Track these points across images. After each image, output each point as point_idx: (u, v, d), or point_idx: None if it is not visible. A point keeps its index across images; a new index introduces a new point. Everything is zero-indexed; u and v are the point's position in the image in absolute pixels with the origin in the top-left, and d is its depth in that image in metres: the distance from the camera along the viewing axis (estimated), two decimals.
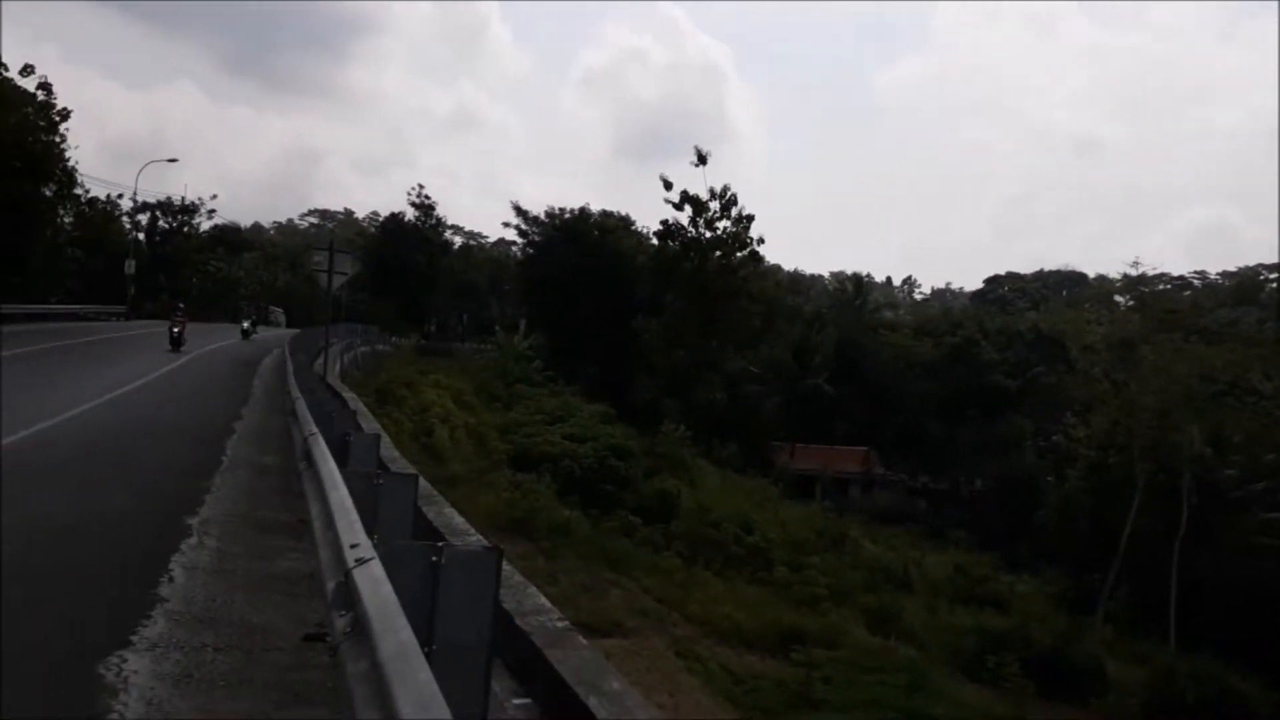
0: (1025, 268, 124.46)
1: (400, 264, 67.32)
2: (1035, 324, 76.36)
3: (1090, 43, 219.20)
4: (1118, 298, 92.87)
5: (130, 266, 56.17)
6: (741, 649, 26.95)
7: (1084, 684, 31.16)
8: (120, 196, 63.20)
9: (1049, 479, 52.11)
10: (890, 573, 40.50)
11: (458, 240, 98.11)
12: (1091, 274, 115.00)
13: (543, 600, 6.53)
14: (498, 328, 63.00)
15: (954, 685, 28.98)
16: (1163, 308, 61.84)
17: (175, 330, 33.84)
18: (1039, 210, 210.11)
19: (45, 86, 42.74)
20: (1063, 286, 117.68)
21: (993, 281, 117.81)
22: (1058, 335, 71.25)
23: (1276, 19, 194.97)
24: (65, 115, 43.49)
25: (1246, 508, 42.25)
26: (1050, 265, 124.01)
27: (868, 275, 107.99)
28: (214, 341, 38.92)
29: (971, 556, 46.71)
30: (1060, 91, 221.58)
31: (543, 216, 66.47)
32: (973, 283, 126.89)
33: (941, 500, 59.00)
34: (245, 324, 45.90)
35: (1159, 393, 45.14)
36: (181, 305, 38.03)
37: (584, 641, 5.68)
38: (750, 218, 59.34)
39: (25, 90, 42.00)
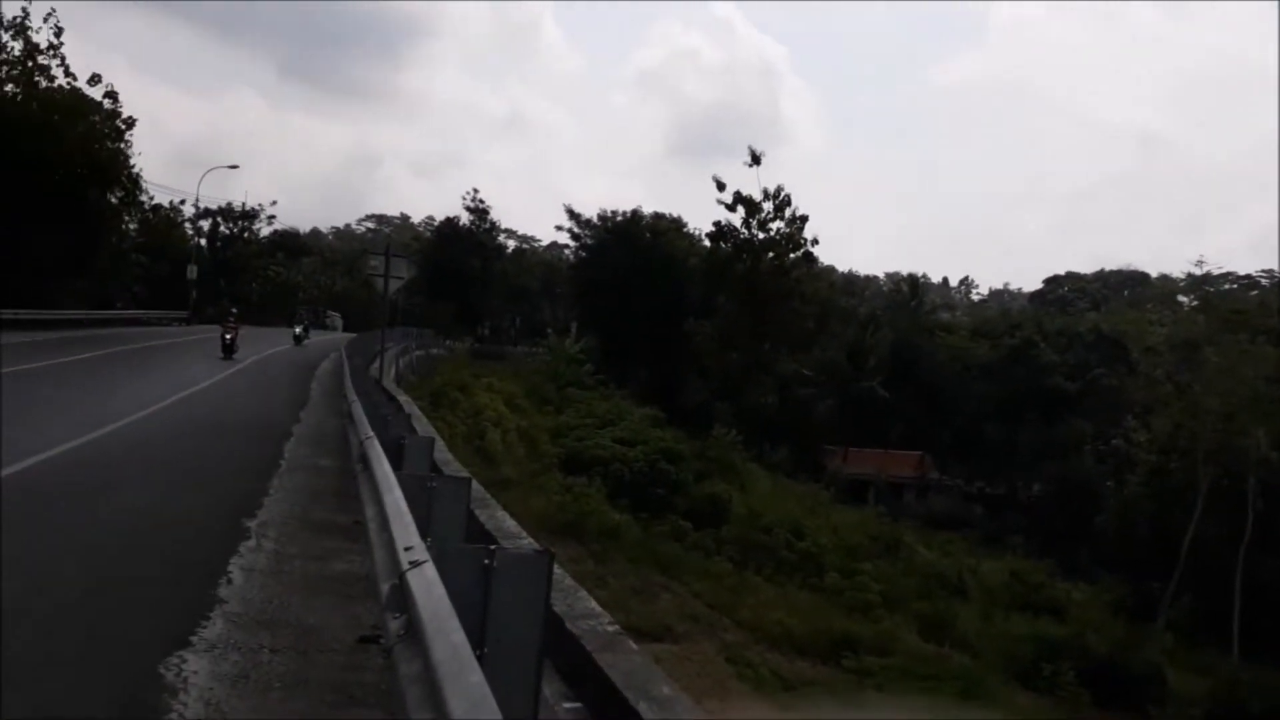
0: (1086, 267, 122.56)
1: (455, 268, 68.02)
2: (1096, 325, 74.98)
3: (1155, 34, 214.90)
4: (1181, 298, 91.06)
5: (192, 272, 57.29)
6: (793, 655, 26.85)
7: (1143, 693, 30.61)
8: (182, 203, 64.58)
9: (1108, 484, 51.19)
10: (945, 579, 40.05)
11: (511, 244, 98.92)
12: (1154, 273, 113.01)
13: (593, 604, 6.54)
14: (550, 331, 63.32)
15: (1008, 693, 28.61)
16: (1228, 308, 60.48)
17: (227, 337, 32.40)
18: (1101, 208, 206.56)
19: (112, 95, 43.74)
20: (1125, 286, 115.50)
21: (1052, 282, 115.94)
22: (1119, 336, 69.98)
23: None
24: (131, 124, 44.46)
25: None
26: (1112, 265, 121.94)
27: (924, 276, 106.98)
28: (267, 347, 38.56)
29: (1028, 563, 46.01)
30: (1123, 86, 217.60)
31: (595, 219, 66.71)
32: (1032, 283, 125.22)
33: (998, 505, 58.18)
34: (298, 329, 44.33)
35: (1224, 395, 44.19)
36: (234, 310, 36.86)
37: (634, 646, 5.68)
38: (804, 218, 59.04)
39: (93, 99, 43.03)
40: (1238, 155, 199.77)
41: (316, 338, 50.12)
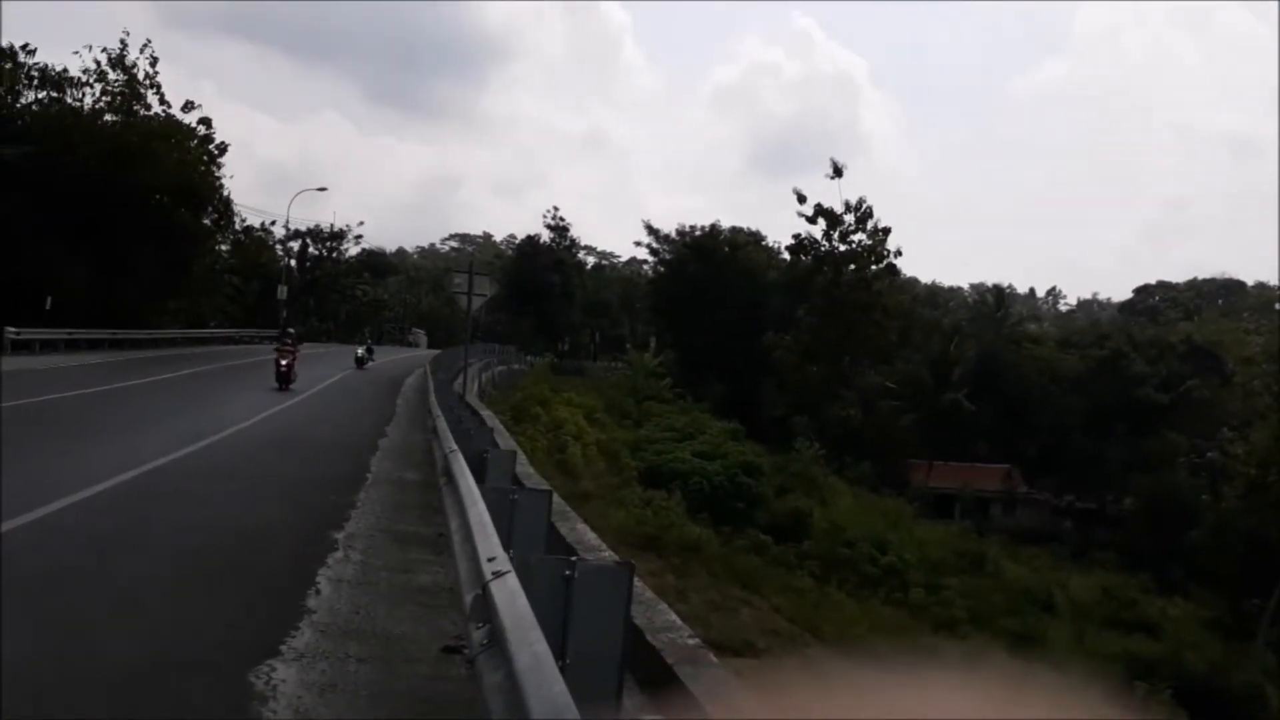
0: (1178, 276, 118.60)
1: (535, 284, 68.73)
2: (1189, 335, 72.63)
3: (1246, 36, 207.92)
4: (1279, 306, 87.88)
5: (282, 292, 58.84)
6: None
7: (1243, 714, 29.50)
8: (273, 223, 66.36)
9: (1203, 498, 49.51)
10: (1033, 595, 39.13)
11: (590, 260, 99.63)
12: (1250, 281, 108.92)
13: (673, 617, 6.56)
14: (629, 345, 63.58)
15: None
16: None
17: (284, 365, 27.13)
18: (1193, 215, 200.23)
19: (205, 121, 45.30)
20: (1219, 295, 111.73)
21: (1143, 291, 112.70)
22: (1213, 347, 67.79)
23: None
24: (223, 149, 46.03)
25: None
26: (1205, 273, 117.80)
27: (1009, 286, 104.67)
28: (330, 372, 34.57)
29: (1120, 578, 44.71)
30: (1214, 90, 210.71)
31: (673, 234, 66.89)
32: (1121, 293, 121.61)
33: (1088, 520, 56.62)
34: (360, 350, 39.68)
35: None
36: (291, 331, 31.70)
37: (715, 660, 5.69)
38: (886, 230, 58.40)
39: (187, 125, 44.60)
40: None
41: (396, 356, 50.73)
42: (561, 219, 75.18)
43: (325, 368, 34.88)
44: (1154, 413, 60.60)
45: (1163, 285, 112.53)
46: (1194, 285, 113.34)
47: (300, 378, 27.92)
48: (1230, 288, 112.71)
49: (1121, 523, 54.97)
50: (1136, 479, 55.44)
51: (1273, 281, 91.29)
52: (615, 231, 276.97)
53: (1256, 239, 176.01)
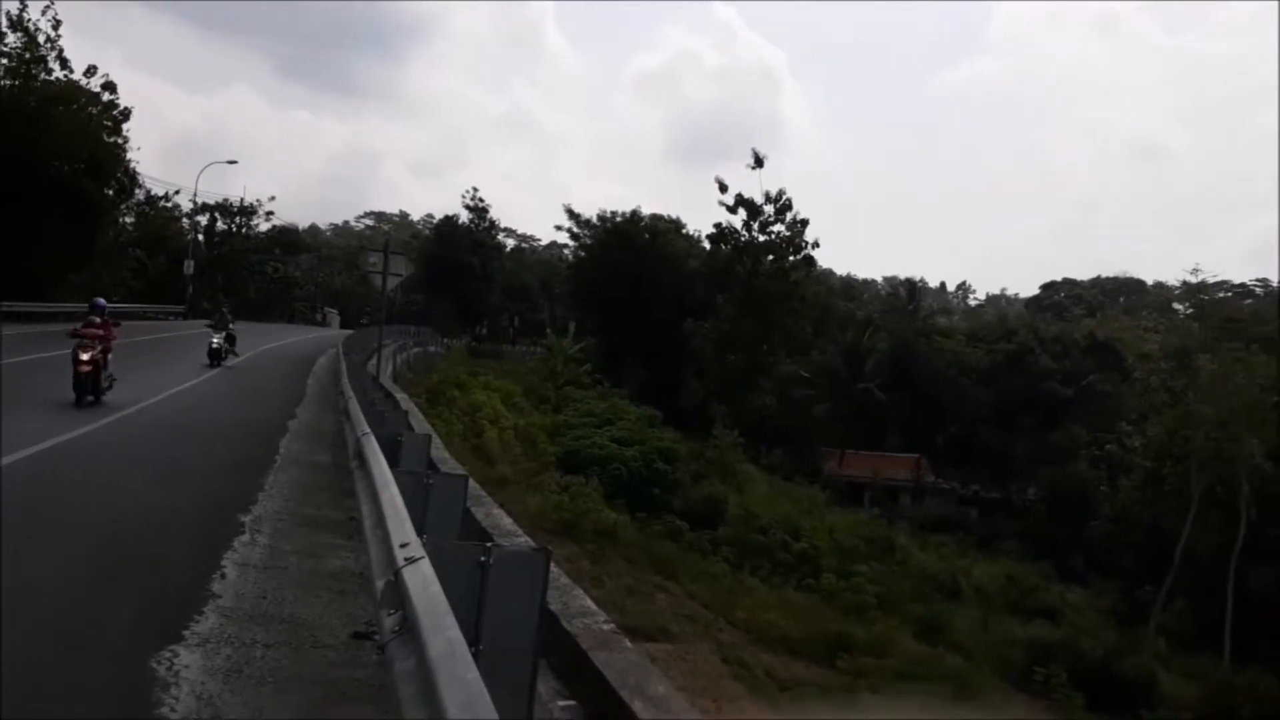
0: (1083, 274, 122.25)
1: (454, 266, 68.00)
2: (1091, 331, 75.10)
3: (1153, 44, 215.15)
4: (1176, 305, 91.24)
5: (189, 267, 57.24)
6: (787, 656, 26.82)
7: (1135, 697, 30.68)
8: (177, 193, 64.17)
9: (1103, 489, 51.31)
10: (939, 582, 40.15)
11: (510, 243, 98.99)
12: (1150, 281, 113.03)
13: (589, 603, 6.53)
14: (548, 330, 63.39)
15: (1002, 695, 28.66)
16: (1223, 316, 60.60)
17: (84, 363, 16.41)
18: (1098, 216, 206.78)
19: (109, 86, 43.60)
20: (1120, 294, 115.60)
21: (1049, 288, 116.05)
22: (1114, 343, 70.13)
23: None
24: (127, 115, 44.29)
25: None
26: (1108, 272, 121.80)
27: (921, 280, 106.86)
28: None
29: (1022, 567, 46.14)
30: (1122, 95, 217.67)
31: (595, 219, 66.76)
32: (1029, 289, 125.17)
33: (993, 509, 58.27)
34: (214, 340, 27.68)
35: (1218, 403, 44.27)
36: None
37: (630, 645, 5.66)
38: (804, 222, 59.07)
39: (90, 90, 42.91)
40: (1234, 165, 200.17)
41: (303, 337, 49.26)
42: (481, 200, 74.60)
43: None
44: (1058, 406, 62.56)
45: (1068, 282, 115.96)
46: (1098, 283, 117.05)
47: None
48: (1131, 286, 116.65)
49: (1025, 512, 56.73)
50: (1040, 470, 57.17)
51: (1171, 281, 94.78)
52: (536, 215, 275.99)
53: (1157, 240, 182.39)
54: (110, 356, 17.39)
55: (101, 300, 18.49)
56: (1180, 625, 40.73)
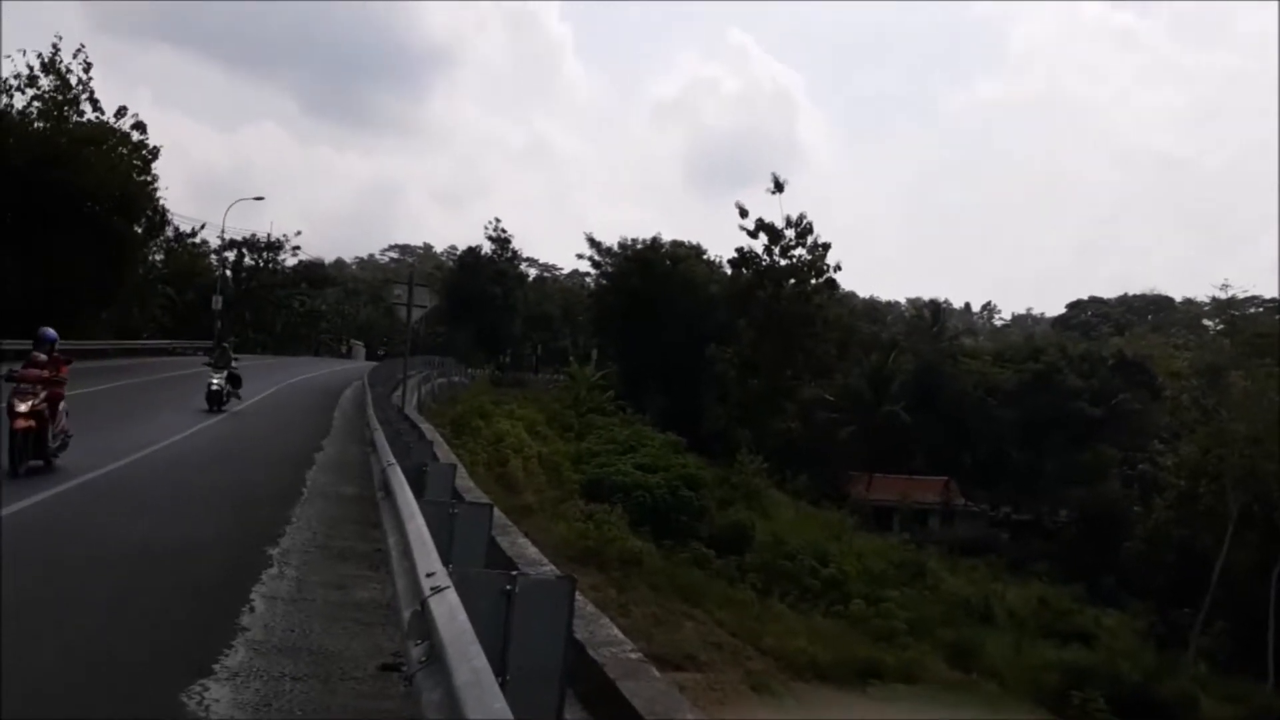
0: (1109, 292, 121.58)
1: (477, 296, 68.34)
2: (1120, 350, 74.47)
3: (1174, 58, 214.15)
4: (1206, 321, 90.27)
5: (217, 302, 57.83)
6: (817, 683, 26.61)
7: None
8: (203, 226, 64.78)
9: (1136, 509, 50.65)
10: (971, 606, 39.70)
11: (533, 272, 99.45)
12: (1179, 297, 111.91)
13: (615, 631, 6.51)
14: (571, 358, 63.43)
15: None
16: (1254, 331, 59.84)
17: (21, 415, 12.60)
18: (1123, 233, 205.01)
19: (139, 126, 44.38)
20: (1149, 311, 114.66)
21: (1075, 306, 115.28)
22: (1143, 361, 69.49)
23: None
24: (156, 154, 45.06)
25: None
26: (1135, 289, 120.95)
27: (945, 301, 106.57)
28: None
29: (1055, 590, 45.55)
30: (1144, 110, 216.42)
31: (615, 247, 66.93)
32: (1055, 308, 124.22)
33: (1024, 532, 57.63)
34: (213, 381, 23.86)
35: (1251, 420, 43.68)
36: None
37: (657, 674, 5.65)
38: (826, 245, 58.98)
39: (120, 130, 43.64)
40: (1259, 177, 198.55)
41: (337, 368, 49.66)
42: (503, 230, 74.98)
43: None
44: (1087, 426, 61.94)
45: (1094, 300, 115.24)
46: (1124, 301, 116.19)
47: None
48: (1159, 303, 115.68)
49: (1057, 534, 56.04)
50: (1071, 492, 56.55)
51: (1200, 297, 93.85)
52: (558, 243, 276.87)
53: (1184, 256, 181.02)
54: (63, 406, 13.46)
55: (50, 331, 14.00)
56: (1219, 647, 39.99)
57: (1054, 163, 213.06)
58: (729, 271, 63.26)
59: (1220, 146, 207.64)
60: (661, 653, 18.63)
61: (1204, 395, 50.21)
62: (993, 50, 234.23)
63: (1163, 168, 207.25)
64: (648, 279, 61.28)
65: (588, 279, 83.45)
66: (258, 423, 23.32)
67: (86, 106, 42.42)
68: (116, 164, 42.38)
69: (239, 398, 24.79)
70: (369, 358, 68.38)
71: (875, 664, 28.28)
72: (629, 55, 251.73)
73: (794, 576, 35.75)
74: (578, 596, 5.11)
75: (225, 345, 26.01)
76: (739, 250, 60.65)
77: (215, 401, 23.43)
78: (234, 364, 24.86)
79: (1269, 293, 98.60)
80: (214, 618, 7.15)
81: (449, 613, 4.26)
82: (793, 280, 59.12)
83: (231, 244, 69.35)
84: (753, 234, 59.48)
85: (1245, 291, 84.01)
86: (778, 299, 58.34)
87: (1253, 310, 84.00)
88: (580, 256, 71.38)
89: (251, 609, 7.46)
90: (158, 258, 56.55)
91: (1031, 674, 32.60)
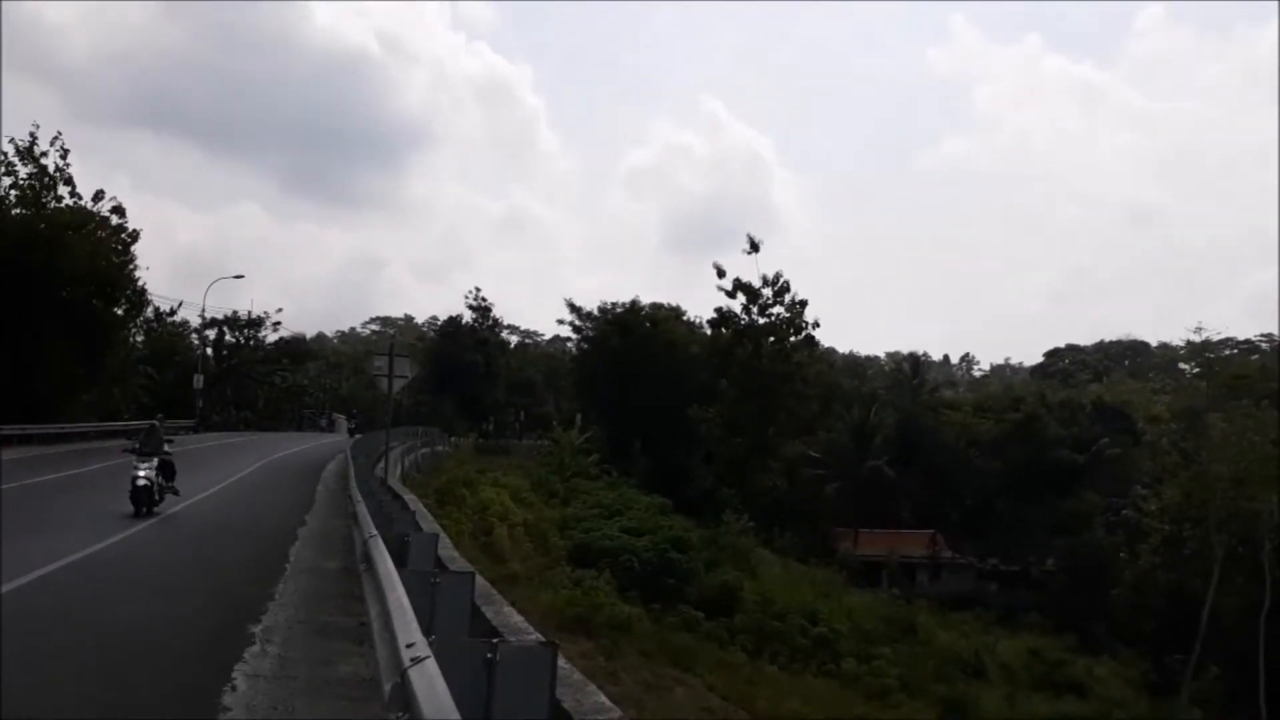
0: (1085, 339, 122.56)
1: (458, 365, 68.43)
2: (1099, 396, 75.05)
3: (1137, 110, 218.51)
4: (1182, 365, 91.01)
5: (198, 381, 57.61)
6: None
7: None
8: (180, 305, 64.76)
9: (1122, 555, 50.63)
10: (963, 660, 39.48)
11: (514, 339, 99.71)
12: (1154, 342, 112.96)
13: (603, 699, 6.53)
14: (554, 423, 63.32)
15: None
16: (1230, 373, 60.41)
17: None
18: (1097, 281, 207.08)
19: (119, 210, 44.56)
20: (1125, 357, 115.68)
21: (1053, 355, 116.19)
22: (1122, 407, 69.94)
23: None
24: (135, 237, 45.18)
25: None
26: (1111, 335, 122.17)
27: (924, 354, 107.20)
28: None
29: (1046, 640, 45.39)
30: (1110, 161, 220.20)
31: (595, 311, 67.28)
32: (1032, 357, 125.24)
33: (1012, 582, 57.46)
34: (140, 471, 17.84)
35: (1232, 461, 43.95)
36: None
37: None
38: (804, 302, 59.50)
39: (99, 214, 43.81)
40: (1229, 222, 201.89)
41: (322, 441, 49.40)
42: (484, 299, 75.41)
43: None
44: (1070, 473, 62.14)
45: (1071, 348, 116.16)
46: (1101, 347, 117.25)
47: (219, 467, 17.02)
48: (1135, 349, 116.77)
49: (1045, 584, 55.88)
50: (1057, 540, 56.55)
51: (1175, 341, 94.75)
52: (538, 310, 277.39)
53: (1158, 301, 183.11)
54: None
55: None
56: (1213, 692, 39.82)
57: (1025, 215, 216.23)
58: (709, 331, 63.71)
59: (1187, 194, 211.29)
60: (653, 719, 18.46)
61: (1183, 439, 50.48)
62: (959, 108, 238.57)
63: (1131, 216, 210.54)
64: (628, 341, 61.59)
65: (569, 344, 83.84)
66: (240, 500, 23.02)
67: (64, 191, 42.65)
68: (96, 248, 42.47)
69: (175, 492, 19.05)
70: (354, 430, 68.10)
71: None
72: (603, 126, 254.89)
73: (784, 636, 35.51)
74: (565, 664, 5.16)
75: (155, 423, 19.80)
76: (718, 310, 61.19)
77: (143, 501, 17.56)
78: (168, 447, 19.04)
79: (1242, 334, 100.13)
80: (196, 697, 7.13)
81: (428, 683, 4.31)
82: (772, 338, 59.49)
83: (212, 322, 69.31)
84: (731, 294, 60.07)
85: (1219, 334, 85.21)
86: (758, 357, 58.65)
87: (1228, 352, 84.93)
88: (561, 322, 71.76)
89: (234, 688, 7.44)
90: (138, 338, 56.43)
91: None
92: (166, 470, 18.60)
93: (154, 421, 20.03)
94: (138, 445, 18.40)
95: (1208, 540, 43.05)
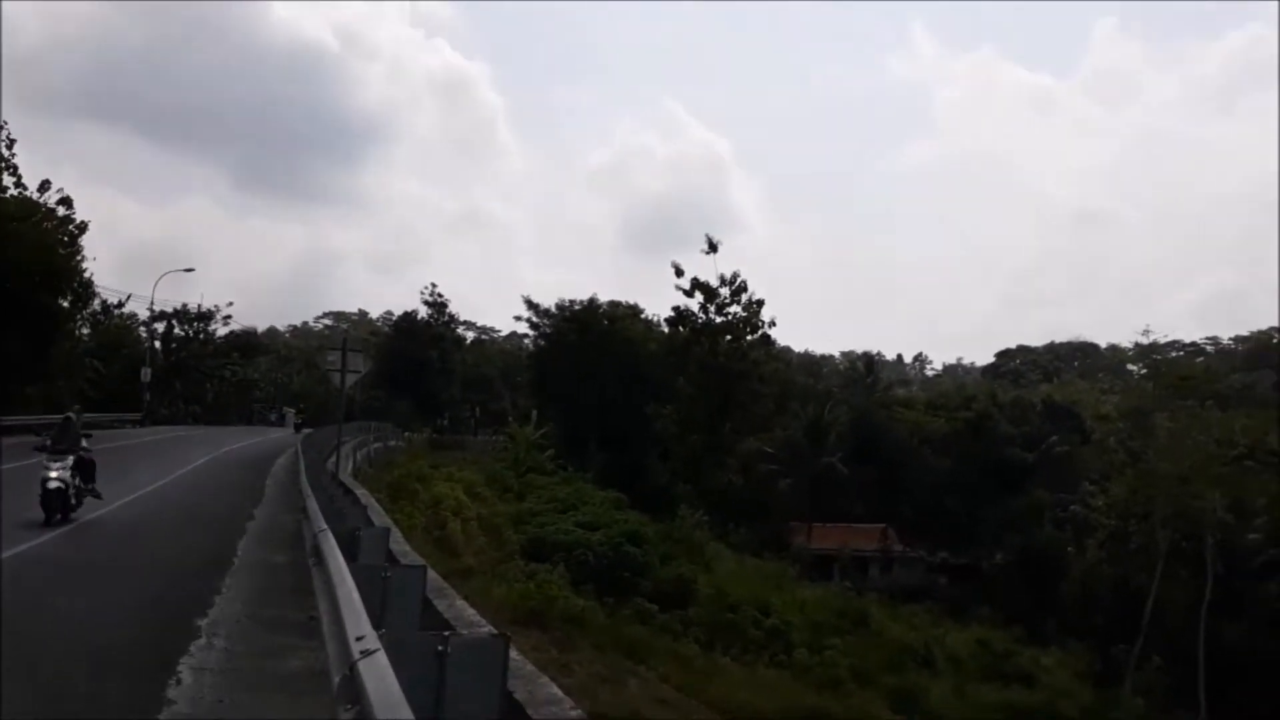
0: (1036, 340, 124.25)
1: (413, 361, 67.95)
2: (1049, 396, 76.16)
3: (1088, 118, 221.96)
4: (1130, 366, 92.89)
5: (146, 374, 56.67)
6: None
7: None
8: (128, 298, 63.65)
9: (1070, 550, 51.52)
10: (913, 651, 39.92)
11: (470, 335, 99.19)
12: (1103, 344, 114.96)
13: (555, 690, 6.53)
14: (510, 419, 63.09)
15: None
16: (1176, 375, 61.76)
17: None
18: (1048, 284, 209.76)
19: (65, 201, 43.72)
20: (1075, 358, 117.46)
21: (1004, 355, 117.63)
22: (1072, 406, 71.06)
23: (1277, 92, 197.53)
24: (83, 229, 44.37)
25: (1274, 573, 41.65)
26: (1061, 337, 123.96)
27: (878, 354, 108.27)
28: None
29: (995, 632, 46.01)
30: (1063, 167, 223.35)
31: (553, 308, 67.15)
32: (984, 357, 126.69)
33: (962, 576, 58.20)
34: (52, 473, 15.48)
35: (1177, 459, 44.87)
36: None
37: None
38: (760, 302, 59.78)
39: (44, 205, 42.95)
40: (1176, 229, 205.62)
41: (271, 436, 48.69)
42: (440, 295, 75.01)
43: None
44: (1020, 470, 63.03)
45: (1022, 349, 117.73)
46: (1052, 348, 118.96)
47: (163, 461, 16.66)
48: (1085, 350, 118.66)
49: (994, 578, 56.65)
50: (1006, 535, 57.37)
51: (1124, 343, 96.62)
52: (495, 307, 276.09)
53: (1107, 304, 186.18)
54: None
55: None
56: (1156, 683, 40.66)
57: (979, 218, 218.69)
58: (666, 330, 63.78)
59: (1135, 200, 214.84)
60: (606, 711, 18.46)
61: (1131, 437, 51.50)
62: (917, 113, 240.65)
63: (1080, 221, 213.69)
64: (585, 339, 61.53)
65: (526, 340, 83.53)
66: (186, 494, 22.65)
67: (9, 181, 41.75)
68: (42, 238, 41.62)
69: (96, 494, 16.77)
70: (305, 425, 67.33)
71: (820, 712, 28.25)
72: (561, 124, 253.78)
73: (738, 628, 35.68)
74: (517, 656, 5.14)
75: (70, 416, 17.43)
76: (675, 309, 61.27)
77: (56, 506, 15.36)
78: (85, 443, 16.76)
79: (1189, 337, 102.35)
80: (140, 691, 7.01)
81: (378, 675, 4.27)
82: (729, 336, 59.74)
83: (161, 315, 68.12)
84: (688, 293, 60.16)
85: (1166, 337, 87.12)
86: (714, 355, 58.86)
87: (1174, 354, 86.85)
88: (518, 318, 71.54)
89: (179, 681, 7.34)
90: (84, 330, 55.40)
91: (974, 716, 32.81)
92: (84, 470, 16.32)
93: (69, 415, 17.59)
94: (49, 442, 16.02)
95: (1153, 536, 43.92)
